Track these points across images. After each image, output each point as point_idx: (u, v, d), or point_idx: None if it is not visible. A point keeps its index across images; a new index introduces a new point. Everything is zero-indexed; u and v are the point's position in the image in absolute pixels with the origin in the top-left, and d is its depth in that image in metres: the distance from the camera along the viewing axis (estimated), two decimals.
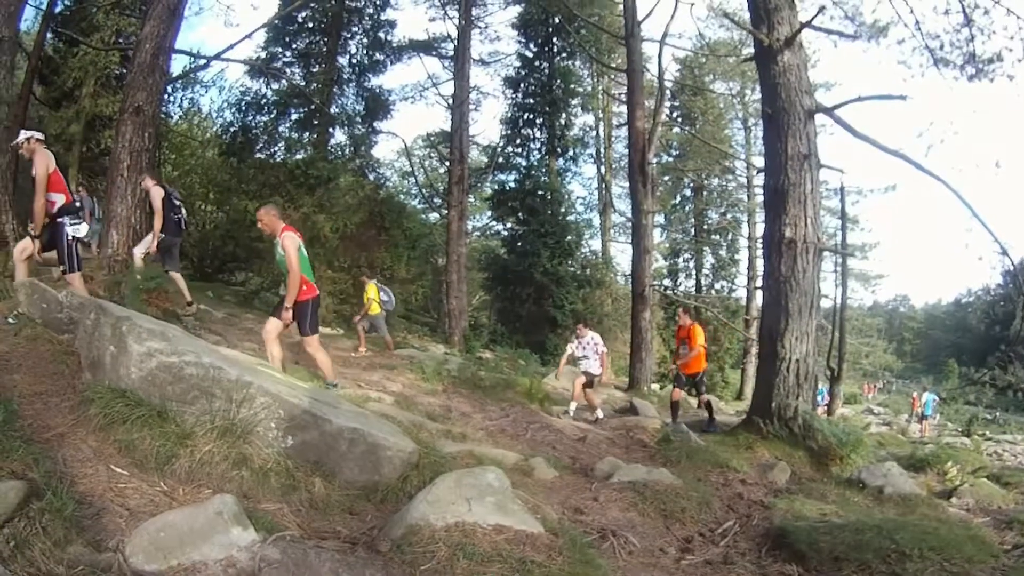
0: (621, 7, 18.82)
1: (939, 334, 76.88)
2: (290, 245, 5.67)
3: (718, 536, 4.54)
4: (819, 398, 18.50)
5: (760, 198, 31.76)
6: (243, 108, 19.00)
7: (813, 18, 7.61)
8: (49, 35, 17.66)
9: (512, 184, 25.14)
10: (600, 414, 9.48)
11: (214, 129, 21.51)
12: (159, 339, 3.53)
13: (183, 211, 8.53)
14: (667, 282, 31.67)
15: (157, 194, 8.03)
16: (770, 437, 7.46)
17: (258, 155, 18.77)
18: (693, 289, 32.08)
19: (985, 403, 34.55)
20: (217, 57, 14.18)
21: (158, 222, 8.01)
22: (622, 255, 30.49)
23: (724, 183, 31.67)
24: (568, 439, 7.39)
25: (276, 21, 18.21)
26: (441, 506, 3.01)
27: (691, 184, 31.45)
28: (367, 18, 20.65)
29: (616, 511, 4.68)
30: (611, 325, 25.32)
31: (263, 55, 19.34)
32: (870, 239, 32.67)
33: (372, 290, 11.07)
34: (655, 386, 18.21)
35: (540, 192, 23.90)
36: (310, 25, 20.00)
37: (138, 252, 8.19)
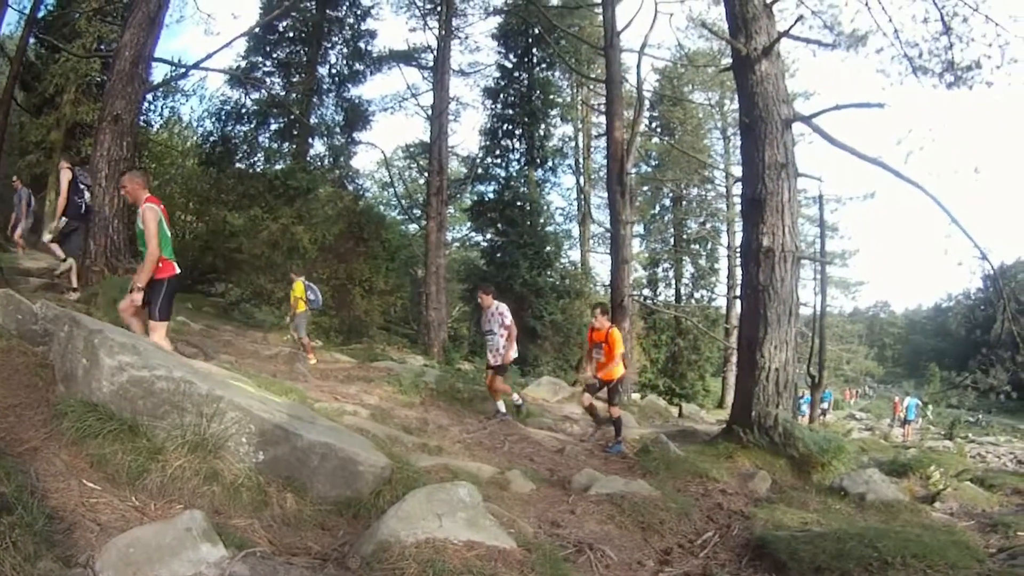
0: (600, 18, 18.96)
1: (920, 339, 78.23)
2: (151, 217, 5.11)
3: (697, 547, 4.45)
4: (803, 406, 18.66)
5: (739, 207, 32.10)
6: (223, 118, 18.96)
7: (791, 27, 7.65)
8: (32, 40, 17.47)
9: (491, 195, 25.15)
10: (502, 408, 8.47)
11: (194, 138, 21.37)
12: (130, 352, 3.46)
13: (87, 195, 8.34)
14: (647, 292, 31.82)
15: (65, 177, 7.86)
16: (750, 446, 7.38)
17: (238, 165, 18.70)
18: (673, 298, 32.24)
19: (968, 406, 35.10)
20: (196, 66, 14.03)
21: (61, 203, 7.82)
22: (601, 265, 30.58)
23: (703, 193, 31.94)
24: (546, 451, 7.29)
25: (257, 30, 18.08)
26: (412, 522, 2.92)
27: (670, 194, 31.67)
28: (347, 28, 20.65)
29: (593, 524, 4.58)
30: None
31: (243, 64, 19.26)
32: (849, 246, 33.06)
33: (299, 289, 10.90)
34: (635, 395, 18.16)
35: (519, 203, 23.91)
36: (290, 35, 19.95)
37: (39, 237, 7.98)
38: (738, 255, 31.55)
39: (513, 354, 8.51)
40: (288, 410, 3.81)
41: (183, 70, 15.60)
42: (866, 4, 8.48)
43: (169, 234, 5.35)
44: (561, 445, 7.63)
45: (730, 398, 29.39)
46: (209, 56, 13.83)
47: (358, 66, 20.68)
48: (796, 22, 7.74)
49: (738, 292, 29.63)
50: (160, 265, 5.16)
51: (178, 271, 5.43)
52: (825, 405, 19.70)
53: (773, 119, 7.73)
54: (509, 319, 8.33)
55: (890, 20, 8.78)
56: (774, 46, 7.67)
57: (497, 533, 3.08)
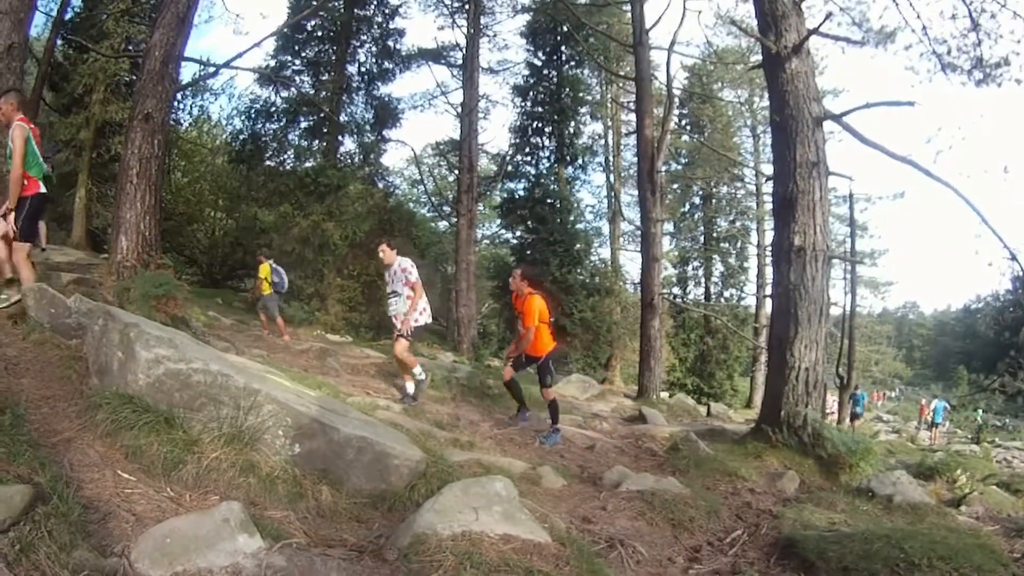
0: (629, 16, 18.90)
1: (948, 341, 76.29)
2: (18, 135, 4.96)
3: (726, 545, 4.49)
4: (859, 408, 18.26)
5: (769, 206, 31.73)
6: (252, 116, 19.28)
7: (821, 24, 7.58)
8: (59, 41, 17.99)
9: (521, 192, 25.21)
10: (410, 388, 7.57)
11: (223, 136, 21.74)
12: (167, 346, 3.56)
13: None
14: (676, 290, 31.65)
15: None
16: (779, 446, 7.36)
17: (268, 163, 19.01)
18: (703, 297, 32.01)
19: (995, 410, 34.31)
20: (226, 65, 14.32)
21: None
22: (631, 263, 30.46)
23: (733, 191, 31.61)
24: (577, 448, 7.37)
25: (285, 30, 18.41)
26: (448, 515, 2.99)
27: (700, 192, 31.41)
28: (376, 27, 20.89)
29: (624, 520, 4.65)
30: (620, 333, 25.28)
31: (272, 63, 19.63)
32: (879, 246, 32.65)
33: (265, 270, 11.08)
34: (664, 394, 18.10)
35: (549, 200, 23.99)
36: (319, 34, 20.22)
37: None
38: (768, 254, 31.46)
39: (420, 318, 7.38)
40: (323, 404, 3.92)
41: (213, 69, 15.93)
42: (894, 0, 8.37)
43: (39, 153, 5.27)
44: (591, 442, 7.69)
45: (758, 398, 29.19)
46: (239, 55, 14.09)
47: (387, 64, 20.94)
48: (825, 19, 7.66)
49: (768, 291, 29.35)
50: (26, 183, 5.09)
51: (43, 190, 5.30)
52: (859, 409, 19.37)
53: (804, 117, 7.67)
54: (415, 275, 7.28)
55: (918, 16, 8.69)
56: (804, 43, 7.61)
57: (532, 527, 3.16)
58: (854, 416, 17.00)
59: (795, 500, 5.81)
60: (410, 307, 7.21)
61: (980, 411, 34.40)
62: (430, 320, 7.52)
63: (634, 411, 11.93)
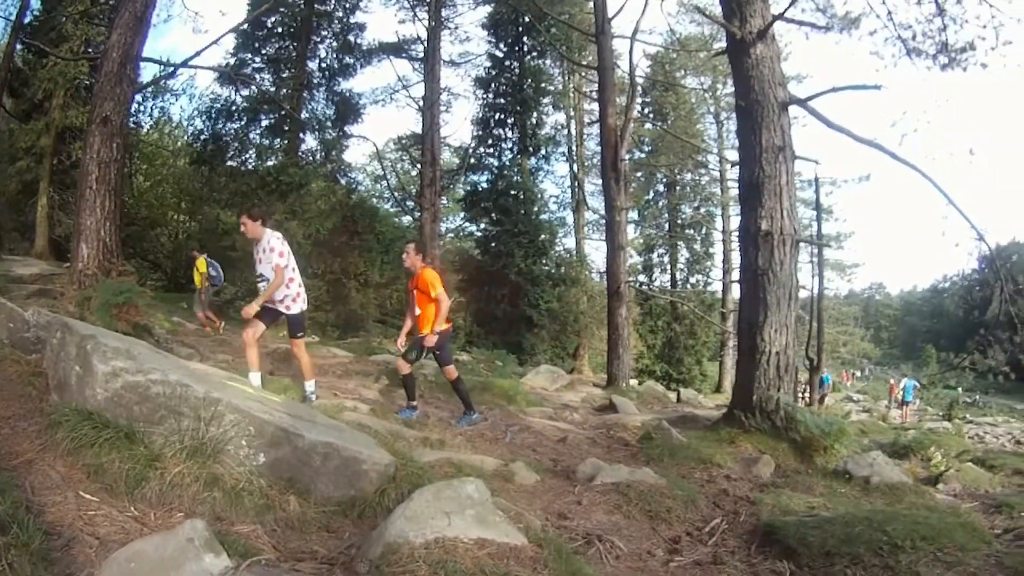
0: (591, 5, 18.82)
1: (915, 320, 78.66)
2: None
3: (705, 535, 4.43)
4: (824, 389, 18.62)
5: (734, 191, 32.09)
6: (213, 116, 19.03)
7: (786, 10, 7.60)
8: (18, 46, 17.26)
9: (484, 184, 25.20)
10: (311, 389, 6.42)
11: (185, 138, 21.30)
12: (124, 357, 3.41)
13: None
14: (642, 278, 31.85)
15: None
16: (752, 431, 7.36)
17: (229, 163, 18.77)
18: (669, 284, 32.26)
19: (965, 387, 35.43)
20: (185, 64, 13.94)
21: None
22: (596, 252, 30.56)
23: (697, 177, 31.89)
24: (548, 441, 7.25)
25: (245, 27, 17.97)
26: (420, 521, 2.87)
27: (664, 179, 31.59)
28: (336, 21, 20.67)
29: (601, 514, 4.55)
30: (587, 322, 25.46)
31: (232, 61, 19.26)
32: (845, 229, 33.19)
33: (202, 265, 11.00)
34: (633, 382, 18.17)
35: (513, 192, 23.98)
36: (279, 30, 19.93)
37: None
38: (733, 239, 31.78)
39: (296, 307, 6.27)
40: (288, 409, 3.76)
41: (172, 69, 15.52)
42: None
43: None
44: (563, 434, 7.58)
45: (727, 382, 29.65)
46: (197, 54, 13.73)
47: (348, 59, 20.77)
48: (791, 4, 7.67)
49: (734, 276, 29.80)
50: None
51: None
52: (825, 389, 19.76)
53: (769, 102, 7.66)
54: (285, 249, 6.07)
55: (883, 2, 8.71)
56: (769, 28, 7.59)
57: (508, 529, 3.04)
58: (822, 398, 17.28)
59: (772, 485, 5.80)
60: (268, 293, 5.97)
61: (960, 389, 35.50)
62: (305, 307, 6.35)
63: (604, 400, 11.88)
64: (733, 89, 8.96)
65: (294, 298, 6.20)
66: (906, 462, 7.10)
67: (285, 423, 3.35)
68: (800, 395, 10.56)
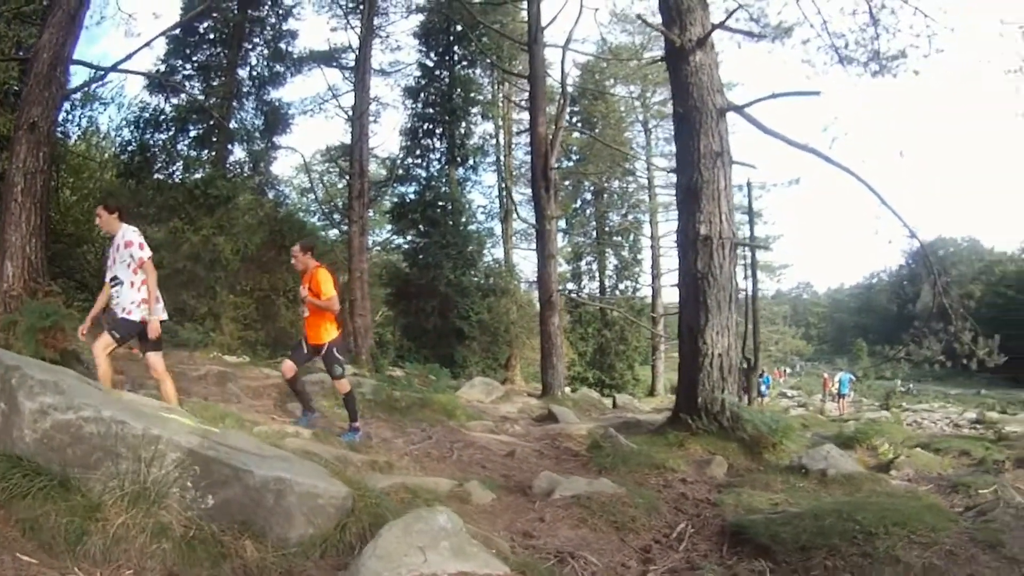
0: (524, 14, 18.88)
1: (844, 316, 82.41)
2: None
3: (675, 541, 4.34)
4: (764, 388, 19.11)
5: (662, 198, 33.14)
6: (141, 125, 18.03)
7: (727, 19, 7.77)
8: None
9: (412, 196, 24.89)
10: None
11: (112, 149, 20.12)
12: (52, 392, 2.98)
13: None
14: (571, 285, 32.14)
15: None
16: (700, 432, 7.42)
17: (156, 175, 17.76)
18: (597, 291, 32.68)
19: (901, 376, 37.44)
20: (115, 68, 13.06)
21: None
22: (525, 262, 30.82)
23: (625, 185, 32.54)
24: (496, 456, 7.04)
25: (177, 32, 17.30)
26: (393, 560, 2.60)
27: (591, 188, 32.06)
28: (269, 28, 20.02)
29: (566, 530, 4.38)
30: (518, 332, 25.45)
31: (163, 68, 18.43)
32: (774, 231, 34.56)
33: None
34: (567, 389, 18.21)
35: (441, 203, 23.73)
36: (211, 36, 19.13)
37: None
38: (662, 245, 32.61)
39: (154, 314, 5.17)
40: (231, 442, 3.39)
41: (102, 72, 14.62)
42: None
43: None
44: (509, 448, 7.39)
45: (660, 386, 30.25)
46: (129, 57, 12.87)
47: (279, 68, 20.12)
48: (732, 13, 7.88)
49: (664, 281, 30.41)
50: None
51: None
52: (764, 389, 20.41)
53: (708, 108, 7.82)
54: (145, 253, 5.13)
55: (819, 12, 9.06)
56: (709, 37, 7.76)
57: (487, 559, 2.81)
58: (760, 396, 17.77)
59: (728, 485, 5.81)
60: (150, 295, 5.12)
61: (899, 380, 37.34)
62: (148, 316, 5.16)
63: (542, 410, 11.82)
64: (666, 96, 9.14)
65: (137, 303, 5.13)
66: (853, 452, 7.29)
67: (232, 459, 3.00)
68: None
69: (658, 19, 8.64)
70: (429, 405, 9.09)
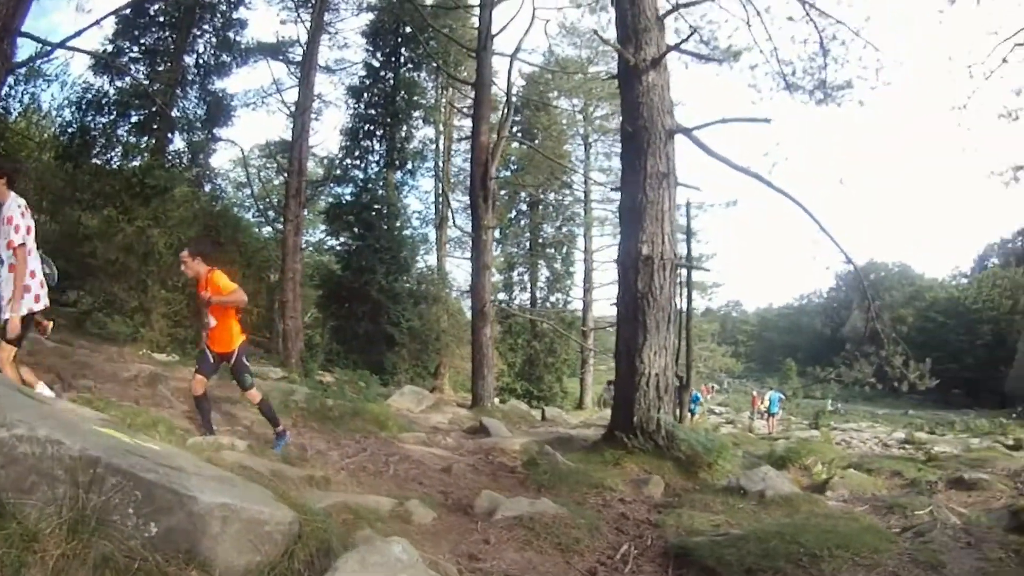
0: (474, 20, 18.79)
1: (773, 335, 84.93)
2: None
3: (619, 562, 4.32)
4: (694, 405, 19.48)
5: (597, 212, 33.65)
6: (83, 107, 17.13)
7: (683, 41, 7.89)
8: None
9: (349, 197, 24.43)
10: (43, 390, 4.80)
11: (52, 129, 18.87)
12: None
13: None
14: (502, 296, 32.14)
15: None
16: (636, 451, 7.48)
17: (95, 160, 16.83)
18: (528, 302, 32.78)
19: (832, 396, 38.89)
20: (63, 44, 12.26)
21: None
22: (457, 270, 30.60)
23: (561, 198, 32.80)
24: (431, 471, 6.86)
25: (128, 12, 16.72)
26: None
27: (527, 199, 32.16)
28: (219, 15, 19.40)
29: (512, 552, 4.29)
30: (448, 341, 25.29)
31: (110, 48, 17.61)
32: (707, 250, 35.52)
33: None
34: (496, 400, 18.18)
35: (377, 206, 23.37)
36: (161, 19, 18.46)
37: None
38: (595, 259, 32.99)
39: (27, 304, 4.52)
40: (170, 460, 3.11)
41: (50, 48, 13.66)
42: (747, 23, 8.98)
43: None
44: (444, 462, 7.24)
45: (589, 399, 30.56)
46: (78, 34, 12.06)
47: (225, 57, 19.58)
48: (689, 35, 7.98)
49: (595, 296, 30.68)
50: None
51: None
52: (694, 406, 20.85)
53: (657, 129, 7.91)
54: (18, 238, 4.41)
55: (770, 38, 9.35)
56: (663, 58, 7.85)
57: None
58: (691, 413, 18.13)
59: (667, 505, 5.86)
60: (16, 284, 4.41)
61: (830, 400, 38.63)
62: (46, 304, 4.74)
63: (473, 422, 11.75)
64: (609, 112, 9.21)
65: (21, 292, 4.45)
66: (787, 472, 7.48)
67: (175, 483, 2.74)
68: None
69: (612, 35, 8.71)
70: (362, 415, 8.90)
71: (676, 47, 7.95)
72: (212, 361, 5.88)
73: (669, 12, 8.41)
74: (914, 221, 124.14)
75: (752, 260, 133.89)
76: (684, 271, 10.31)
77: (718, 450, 7.14)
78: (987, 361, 51.63)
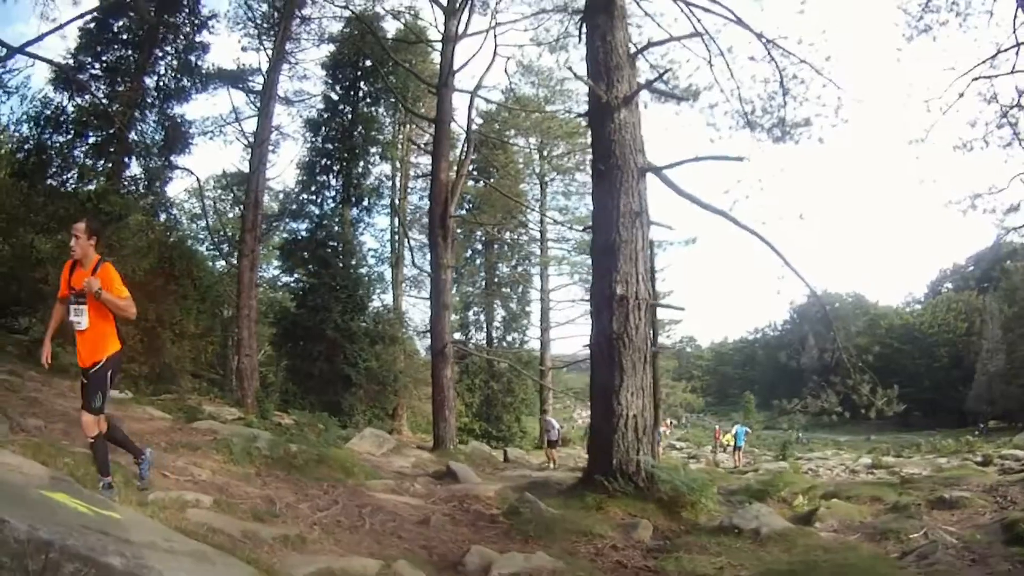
0: (435, 56, 18.83)
1: (728, 369, 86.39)
2: None
3: None
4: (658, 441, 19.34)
5: (554, 251, 33.72)
6: (42, 123, 16.34)
7: (657, 78, 7.96)
8: None
9: (304, 233, 23.99)
10: None
11: (9, 145, 17.99)
12: None
13: None
14: (458, 335, 31.71)
15: None
16: (617, 494, 7.33)
17: (50, 180, 16.05)
18: (484, 342, 32.45)
19: (798, 427, 39.04)
20: (22, 50, 11.83)
21: None
22: (414, 309, 30.12)
23: (517, 236, 32.81)
24: (408, 523, 6.54)
25: (91, 27, 16.37)
26: None
27: (483, 237, 32.10)
28: (182, 36, 18.87)
29: None
30: (406, 382, 24.80)
31: (71, 62, 16.88)
32: (665, 287, 35.87)
33: None
34: (456, 441, 17.81)
35: (333, 243, 23.09)
36: (124, 36, 17.85)
37: None
38: (552, 298, 32.96)
39: None
40: (136, 534, 2.75)
41: (8, 54, 13.07)
42: (709, 63, 9.17)
43: None
44: (419, 513, 6.96)
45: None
46: (39, 39, 11.58)
47: (186, 81, 18.98)
48: (662, 75, 8.07)
49: (553, 335, 30.54)
50: None
51: None
52: (659, 441, 20.86)
53: (629, 167, 7.94)
54: None
55: (732, 77, 9.55)
56: (635, 96, 7.91)
57: None
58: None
59: (660, 549, 5.73)
60: None
61: (797, 431, 38.64)
62: None
63: (438, 466, 11.53)
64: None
65: None
66: (764, 505, 7.38)
67: (144, 568, 2.37)
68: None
69: (582, 72, 8.75)
70: (326, 462, 8.56)
71: (648, 85, 8.04)
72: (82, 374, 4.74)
73: (639, 51, 8.52)
74: (865, 251, 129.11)
75: (706, 295, 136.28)
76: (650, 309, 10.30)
77: (700, 489, 7.06)
78: (944, 382, 53.63)
